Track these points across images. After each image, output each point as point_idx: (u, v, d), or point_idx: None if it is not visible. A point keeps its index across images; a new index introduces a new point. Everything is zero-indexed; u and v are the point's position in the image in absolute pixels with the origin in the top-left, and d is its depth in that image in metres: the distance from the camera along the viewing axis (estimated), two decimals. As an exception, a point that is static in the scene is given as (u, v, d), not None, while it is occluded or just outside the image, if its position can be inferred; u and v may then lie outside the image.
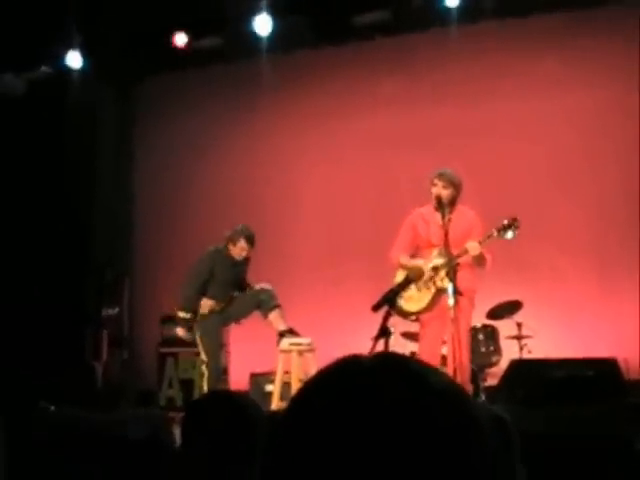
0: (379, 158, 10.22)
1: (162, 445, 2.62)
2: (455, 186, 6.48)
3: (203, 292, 7.83)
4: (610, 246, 9.26)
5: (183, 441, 2.58)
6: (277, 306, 7.81)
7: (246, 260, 7.96)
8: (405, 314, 6.56)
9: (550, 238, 9.33)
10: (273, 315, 7.81)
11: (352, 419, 0.87)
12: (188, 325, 7.93)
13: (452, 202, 6.48)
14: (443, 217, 6.32)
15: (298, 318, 9.77)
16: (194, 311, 7.83)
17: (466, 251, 6.24)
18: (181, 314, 7.89)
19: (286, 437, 0.91)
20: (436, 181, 6.47)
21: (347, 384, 0.91)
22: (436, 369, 0.95)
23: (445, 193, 6.43)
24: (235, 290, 8.01)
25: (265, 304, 7.80)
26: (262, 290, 7.87)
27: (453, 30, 9.59)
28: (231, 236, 7.84)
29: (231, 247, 7.83)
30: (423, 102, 10.20)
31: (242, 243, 7.80)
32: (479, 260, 6.36)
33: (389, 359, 0.95)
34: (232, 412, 2.55)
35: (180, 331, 8.04)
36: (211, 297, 7.84)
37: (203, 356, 7.86)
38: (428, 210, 6.61)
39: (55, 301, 10.24)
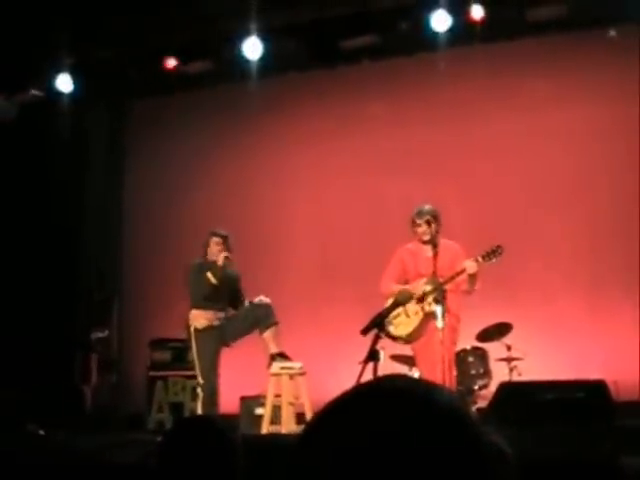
0: (368, 180, 10.24)
1: (150, 470, 2.61)
2: (436, 220, 6.74)
3: (197, 305, 7.80)
4: (600, 268, 9.29)
5: (160, 467, 2.56)
6: (275, 323, 7.76)
7: (231, 266, 7.86)
8: (395, 339, 6.72)
9: (540, 260, 9.35)
10: (268, 334, 7.75)
11: (367, 443, 0.88)
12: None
13: (437, 234, 6.71)
14: (435, 247, 6.57)
15: (288, 341, 9.76)
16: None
17: (464, 270, 6.39)
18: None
19: (299, 463, 0.93)
20: (418, 221, 6.72)
21: (360, 409, 0.93)
22: (445, 390, 0.97)
23: (429, 231, 6.69)
24: (229, 300, 7.89)
25: (263, 321, 7.74)
26: (259, 305, 7.81)
27: (441, 54, 9.65)
28: (203, 243, 7.87)
29: (208, 252, 7.80)
30: (411, 125, 10.25)
31: (213, 241, 7.79)
32: (473, 280, 6.49)
33: (397, 382, 0.97)
34: (209, 437, 2.55)
35: None
36: (207, 308, 7.75)
37: (199, 377, 7.71)
38: (414, 245, 6.87)
39: (44, 323, 10.19)
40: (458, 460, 0.89)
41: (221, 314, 7.82)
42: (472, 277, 6.50)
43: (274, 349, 7.75)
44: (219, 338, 7.80)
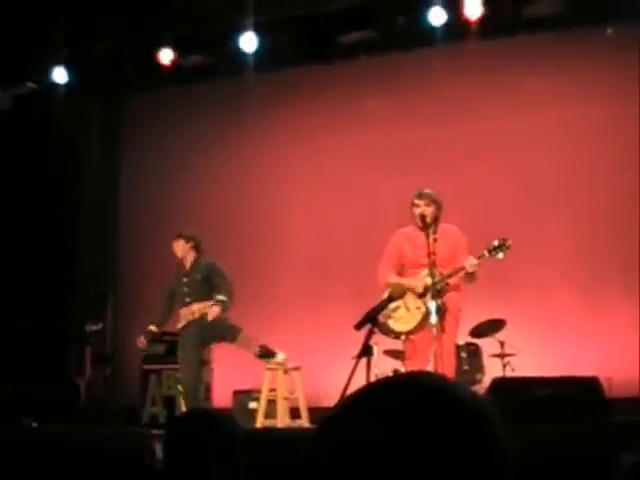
0: (364, 176, 10.25)
1: (144, 463, 2.62)
2: (436, 203, 6.53)
3: (171, 305, 8.04)
4: (596, 265, 9.31)
5: (165, 461, 2.58)
6: (239, 332, 7.85)
7: (195, 265, 8.04)
8: (395, 334, 6.58)
9: (535, 256, 9.36)
10: (238, 344, 7.87)
11: (385, 439, 0.88)
12: (149, 338, 8.07)
13: (435, 220, 6.52)
14: (428, 237, 6.35)
15: (283, 335, 9.79)
16: (160, 323, 8.04)
17: (463, 268, 6.29)
18: (149, 326, 8.05)
19: (316, 459, 0.93)
20: (417, 201, 6.51)
21: (376, 405, 0.92)
22: (460, 384, 0.97)
23: (428, 211, 6.47)
24: (191, 298, 7.94)
25: (226, 338, 7.90)
26: (217, 322, 7.77)
27: (438, 50, 9.65)
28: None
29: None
30: (408, 121, 10.25)
31: (174, 243, 8.08)
32: (471, 278, 6.42)
33: (414, 379, 0.97)
34: (212, 430, 2.56)
35: (139, 341, 8.11)
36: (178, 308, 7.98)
37: (179, 372, 7.98)
38: (412, 230, 6.66)
39: (39, 316, 10.18)
40: (485, 457, 0.89)
41: (193, 306, 7.91)
42: (470, 275, 6.39)
43: (254, 348, 7.87)
44: (199, 336, 7.89)
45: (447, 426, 0.89)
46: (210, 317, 7.68)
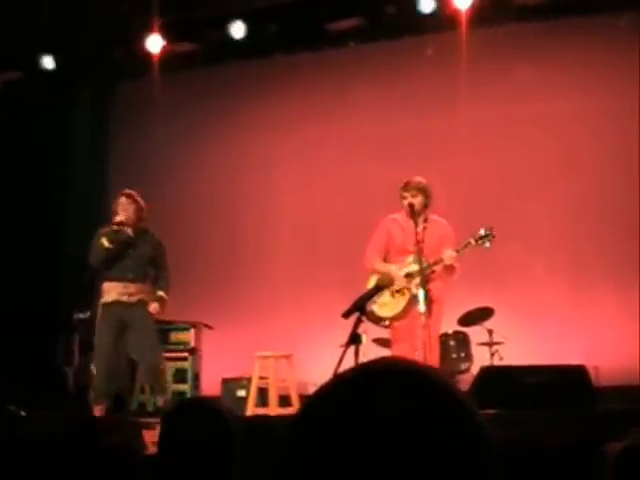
0: (352, 164, 10.24)
1: (132, 451, 2.62)
2: (424, 192, 6.54)
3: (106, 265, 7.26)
4: (583, 254, 9.33)
5: (160, 450, 2.58)
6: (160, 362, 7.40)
7: (144, 235, 7.33)
8: (379, 320, 6.60)
9: (523, 245, 9.38)
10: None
11: (362, 426, 0.89)
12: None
13: (424, 208, 6.54)
14: (416, 225, 6.38)
15: (272, 324, 9.80)
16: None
17: (442, 260, 6.31)
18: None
19: (294, 446, 0.93)
20: (405, 193, 6.53)
21: (355, 391, 0.92)
22: (439, 372, 0.97)
23: (416, 201, 6.49)
24: (134, 275, 7.21)
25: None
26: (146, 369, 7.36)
27: (427, 38, 9.64)
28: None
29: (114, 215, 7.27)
30: (397, 108, 10.24)
31: (120, 200, 7.25)
32: (449, 269, 6.43)
33: (391, 365, 0.97)
34: (208, 419, 2.56)
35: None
36: (112, 279, 7.24)
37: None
38: (402, 217, 6.67)
39: (27, 305, 10.16)
40: (462, 441, 0.90)
41: (131, 288, 7.20)
42: (448, 268, 6.41)
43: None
44: (118, 323, 7.18)
45: (422, 410, 0.90)
46: (151, 312, 7.20)
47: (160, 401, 7.55)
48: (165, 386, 7.65)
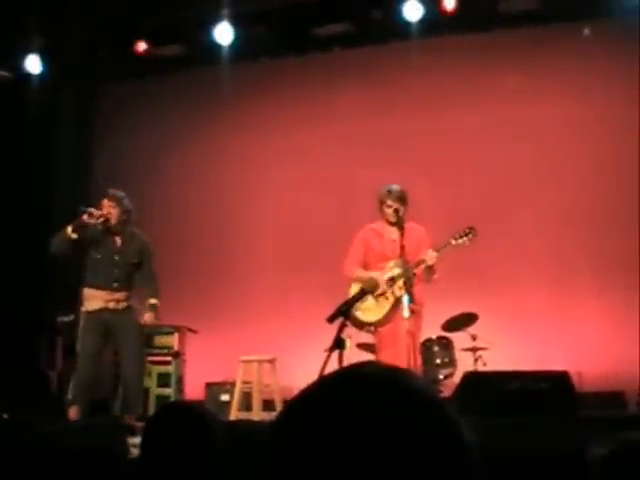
0: (338, 168, 10.25)
1: (114, 454, 2.61)
2: (404, 201, 6.61)
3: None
4: (567, 260, 9.36)
5: (143, 454, 2.57)
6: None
7: (130, 239, 7.14)
8: (362, 325, 6.61)
9: (507, 251, 9.41)
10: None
11: (341, 429, 0.89)
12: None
13: (404, 214, 6.61)
14: (401, 229, 6.41)
15: (256, 328, 9.78)
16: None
17: (424, 260, 6.34)
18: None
19: (276, 447, 0.94)
20: (389, 202, 6.56)
21: (341, 396, 0.93)
22: (418, 376, 0.98)
23: (402, 208, 6.55)
24: (119, 284, 7.01)
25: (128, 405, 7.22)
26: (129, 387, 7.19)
27: (414, 43, 9.66)
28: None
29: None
30: (383, 113, 10.25)
31: (106, 203, 7.07)
32: (430, 271, 6.46)
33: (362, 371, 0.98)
34: (192, 424, 2.56)
35: None
36: (90, 285, 7.02)
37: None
38: (380, 225, 6.75)
39: (9, 307, 10.11)
40: (440, 445, 0.90)
41: (118, 295, 7.02)
42: (430, 268, 6.44)
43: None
44: (103, 330, 7.00)
45: (399, 414, 0.90)
46: (146, 321, 7.09)
47: (130, 418, 7.11)
48: (139, 398, 7.32)
